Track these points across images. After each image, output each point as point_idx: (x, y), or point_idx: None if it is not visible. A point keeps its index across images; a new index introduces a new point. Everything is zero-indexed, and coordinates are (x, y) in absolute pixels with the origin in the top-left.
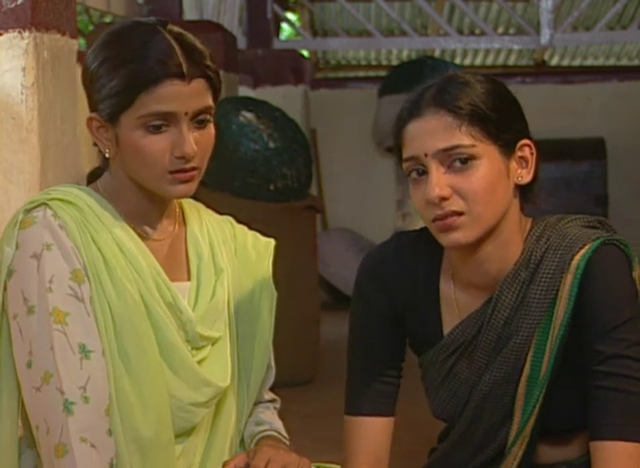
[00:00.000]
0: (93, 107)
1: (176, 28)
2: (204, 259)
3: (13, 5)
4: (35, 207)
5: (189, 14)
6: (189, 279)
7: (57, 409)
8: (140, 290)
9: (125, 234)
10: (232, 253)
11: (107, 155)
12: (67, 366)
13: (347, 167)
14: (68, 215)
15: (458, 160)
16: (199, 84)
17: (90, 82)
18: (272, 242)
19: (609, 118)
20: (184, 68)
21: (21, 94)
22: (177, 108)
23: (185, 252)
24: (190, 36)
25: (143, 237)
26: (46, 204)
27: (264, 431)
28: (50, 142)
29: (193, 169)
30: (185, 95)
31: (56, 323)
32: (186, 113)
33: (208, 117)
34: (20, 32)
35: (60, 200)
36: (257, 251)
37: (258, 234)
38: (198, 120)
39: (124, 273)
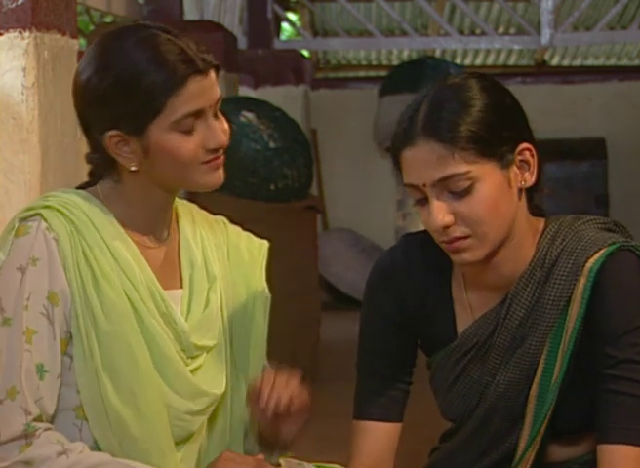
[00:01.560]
0: (107, 126)
1: (163, 26)
2: (197, 266)
3: (13, 5)
4: (31, 216)
5: (190, 14)
6: (182, 286)
7: (18, 427)
8: (133, 301)
9: (122, 243)
10: (225, 257)
11: (133, 168)
12: (30, 385)
13: (348, 167)
14: (63, 228)
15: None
16: (212, 74)
17: (100, 102)
18: (266, 243)
19: (609, 118)
20: (199, 63)
21: (22, 94)
22: (204, 103)
23: (178, 258)
24: (177, 31)
25: (141, 245)
26: (41, 214)
27: None
28: (50, 143)
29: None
30: (207, 88)
31: (26, 342)
32: (210, 106)
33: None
34: (20, 32)
35: (56, 210)
36: (250, 252)
37: (251, 235)
38: (214, 112)
39: (114, 288)
